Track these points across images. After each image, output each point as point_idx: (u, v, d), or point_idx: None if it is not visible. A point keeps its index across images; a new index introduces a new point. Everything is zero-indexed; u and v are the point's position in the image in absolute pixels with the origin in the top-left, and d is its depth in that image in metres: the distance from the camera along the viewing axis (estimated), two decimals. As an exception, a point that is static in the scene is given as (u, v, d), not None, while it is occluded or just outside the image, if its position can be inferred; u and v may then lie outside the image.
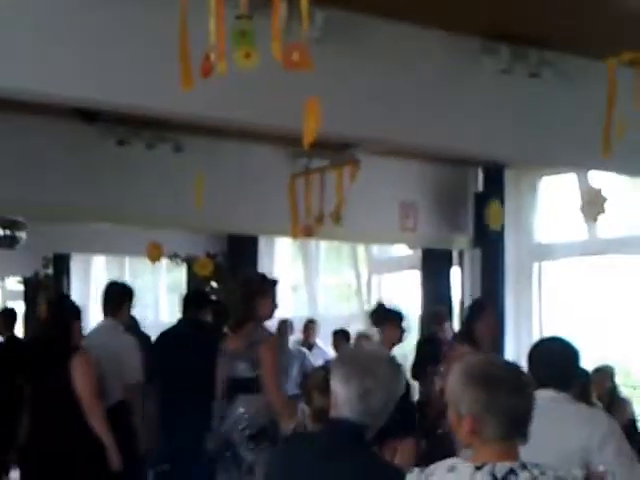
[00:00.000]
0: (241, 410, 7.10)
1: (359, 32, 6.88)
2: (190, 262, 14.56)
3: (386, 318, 7.87)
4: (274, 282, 7.82)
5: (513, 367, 3.56)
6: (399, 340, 7.76)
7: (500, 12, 7.09)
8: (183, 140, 10.06)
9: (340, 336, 11.84)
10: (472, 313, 8.19)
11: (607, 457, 4.47)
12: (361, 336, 10.81)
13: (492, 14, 7.16)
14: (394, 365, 4.10)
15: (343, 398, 3.77)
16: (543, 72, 7.62)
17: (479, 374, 3.44)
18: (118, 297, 8.82)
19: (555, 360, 5.20)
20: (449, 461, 3.49)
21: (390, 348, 7.42)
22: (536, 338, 8.44)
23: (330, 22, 6.32)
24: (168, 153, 10.03)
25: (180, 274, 15.29)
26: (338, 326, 12.49)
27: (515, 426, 3.33)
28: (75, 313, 8.19)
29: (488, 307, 8.25)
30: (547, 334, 8.20)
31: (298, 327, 12.98)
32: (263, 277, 7.98)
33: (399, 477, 3.65)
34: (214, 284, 14.22)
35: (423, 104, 7.44)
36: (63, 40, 6.04)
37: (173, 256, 14.03)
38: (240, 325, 7.19)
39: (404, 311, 8.16)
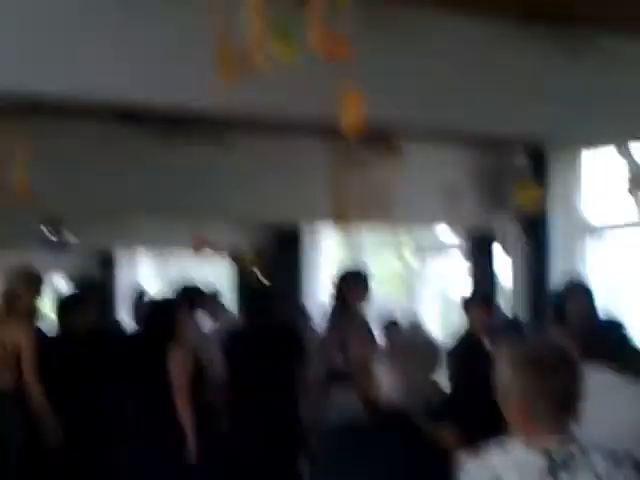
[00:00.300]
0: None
1: (397, 21, 6.89)
2: (237, 257, 14.64)
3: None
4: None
5: (555, 348, 3.58)
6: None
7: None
8: (227, 134, 10.06)
9: (391, 328, 11.77)
10: (562, 295, 8.13)
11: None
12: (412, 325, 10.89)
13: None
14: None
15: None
16: (582, 51, 7.60)
17: (521, 359, 3.46)
18: None
19: (606, 335, 5.22)
20: (505, 444, 3.51)
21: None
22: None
23: (369, 12, 6.35)
24: (212, 150, 10.07)
25: (227, 269, 15.29)
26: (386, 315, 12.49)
27: (564, 406, 3.35)
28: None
29: (578, 288, 8.21)
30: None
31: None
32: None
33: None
34: (261, 277, 14.32)
35: (461, 89, 7.47)
36: (97, 41, 6.09)
37: (219, 250, 14.09)
38: None
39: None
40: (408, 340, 4.82)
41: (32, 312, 8.78)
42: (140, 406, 8.31)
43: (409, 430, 3.83)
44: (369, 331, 8.71)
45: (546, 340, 4.08)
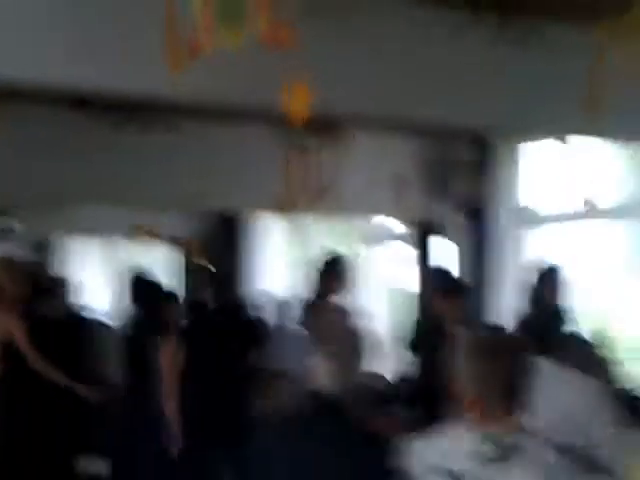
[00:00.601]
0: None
1: (346, 8, 6.86)
2: (186, 244, 14.65)
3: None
4: None
5: (505, 337, 3.63)
6: None
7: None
8: (177, 122, 10.07)
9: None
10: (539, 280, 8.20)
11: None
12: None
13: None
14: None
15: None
16: (529, 40, 7.64)
17: (472, 345, 3.52)
18: None
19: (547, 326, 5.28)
20: (452, 427, 3.56)
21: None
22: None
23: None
24: (162, 136, 10.07)
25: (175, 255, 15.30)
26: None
27: (508, 393, 3.39)
28: None
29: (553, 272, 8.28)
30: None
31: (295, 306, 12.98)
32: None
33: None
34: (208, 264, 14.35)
35: (409, 78, 7.47)
36: (47, 27, 6.07)
37: (167, 238, 14.10)
38: None
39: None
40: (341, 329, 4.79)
41: (21, 299, 8.73)
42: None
43: (338, 418, 3.83)
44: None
45: (499, 329, 4.12)
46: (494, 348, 3.55)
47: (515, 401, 3.44)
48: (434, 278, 8.82)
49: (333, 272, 8.62)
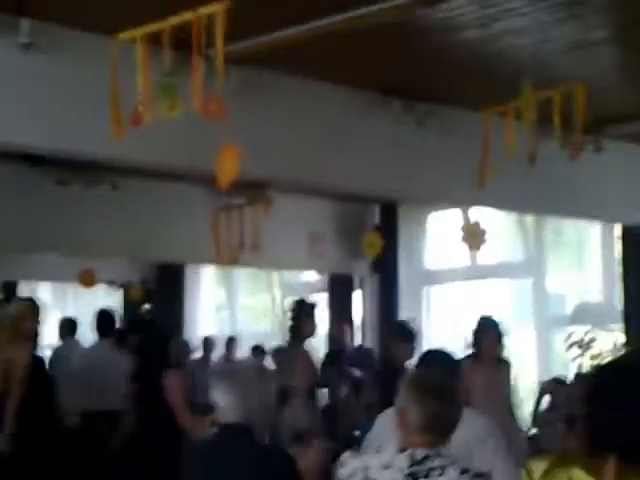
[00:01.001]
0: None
1: (270, 86, 6.97)
2: (125, 288, 14.58)
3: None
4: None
5: (441, 379, 3.70)
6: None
7: (392, 71, 7.25)
8: (119, 180, 10.02)
9: (257, 351, 11.78)
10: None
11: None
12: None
13: (384, 72, 7.32)
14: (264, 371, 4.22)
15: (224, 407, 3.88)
16: (427, 121, 7.79)
17: (410, 381, 3.59)
18: None
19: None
20: (382, 449, 3.62)
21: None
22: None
23: (244, 78, 6.43)
24: (105, 192, 10.02)
25: (116, 299, 15.18)
26: (255, 342, 12.53)
27: (436, 427, 3.45)
28: None
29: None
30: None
31: (221, 344, 12.94)
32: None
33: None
34: (147, 307, 14.29)
35: (325, 149, 7.51)
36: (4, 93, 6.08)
37: (110, 283, 14.01)
38: None
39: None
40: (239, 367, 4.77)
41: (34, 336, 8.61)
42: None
43: (245, 441, 3.85)
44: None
45: (437, 373, 4.16)
46: (428, 388, 3.62)
47: (439, 435, 3.50)
48: (393, 326, 8.65)
49: (304, 317, 8.39)
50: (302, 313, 7.95)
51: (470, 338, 6.92)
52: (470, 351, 6.93)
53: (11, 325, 8.20)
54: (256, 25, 5.88)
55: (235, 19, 4.98)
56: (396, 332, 8.10)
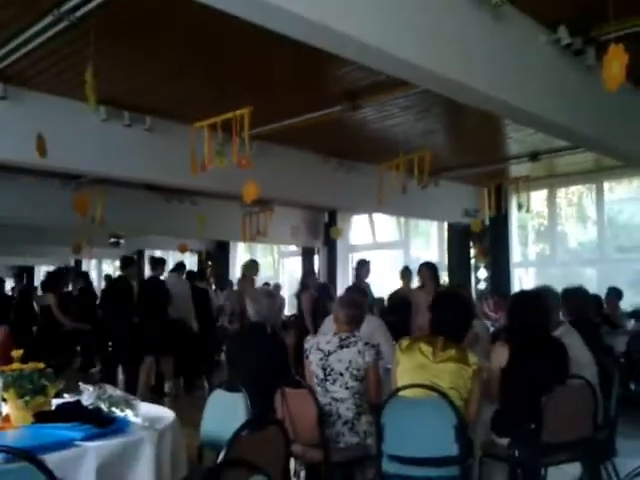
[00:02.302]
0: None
1: (272, 150, 6.90)
2: (199, 253, 14.50)
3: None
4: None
5: (353, 296, 3.72)
6: None
7: (332, 143, 7.23)
8: (196, 198, 9.90)
9: (266, 284, 11.64)
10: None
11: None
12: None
13: (328, 143, 7.31)
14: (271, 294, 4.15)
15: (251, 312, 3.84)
16: (351, 171, 7.81)
17: (339, 299, 3.66)
18: None
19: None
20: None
21: None
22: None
23: (259, 146, 6.35)
24: (189, 205, 9.88)
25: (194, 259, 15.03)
26: (265, 280, 12.47)
27: (349, 320, 3.46)
28: None
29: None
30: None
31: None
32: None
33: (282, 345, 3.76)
34: (209, 263, 14.22)
35: (299, 183, 7.48)
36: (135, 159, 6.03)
37: (191, 250, 13.92)
38: None
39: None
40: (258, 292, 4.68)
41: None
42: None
43: (261, 332, 3.80)
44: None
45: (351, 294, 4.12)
46: (352, 301, 3.62)
47: (355, 325, 3.52)
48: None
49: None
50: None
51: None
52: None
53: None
54: (264, 120, 5.84)
55: (254, 116, 4.96)
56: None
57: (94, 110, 5.05)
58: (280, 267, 13.83)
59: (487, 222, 9.70)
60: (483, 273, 10.04)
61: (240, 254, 14.35)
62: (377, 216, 10.39)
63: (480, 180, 9.04)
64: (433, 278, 6.05)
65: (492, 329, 5.77)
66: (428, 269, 6.14)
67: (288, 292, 11.47)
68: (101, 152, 5.71)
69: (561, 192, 9.71)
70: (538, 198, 9.68)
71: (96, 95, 3.75)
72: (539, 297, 3.48)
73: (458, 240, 10.13)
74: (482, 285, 9.95)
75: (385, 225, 11.19)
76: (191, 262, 14.87)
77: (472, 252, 10.13)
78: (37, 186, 8.23)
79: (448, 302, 3.20)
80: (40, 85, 5.16)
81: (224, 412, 2.94)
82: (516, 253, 9.94)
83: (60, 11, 3.66)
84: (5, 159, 5.43)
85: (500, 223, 9.65)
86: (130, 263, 7.65)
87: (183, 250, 12.27)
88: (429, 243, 11.20)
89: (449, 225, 10.26)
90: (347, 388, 3.24)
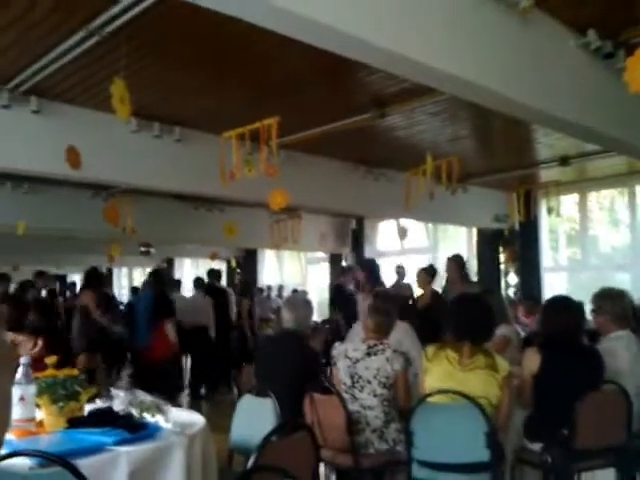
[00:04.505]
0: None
1: (299, 159, 6.93)
2: (228, 261, 14.59)
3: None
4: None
5: (382, 304, 3.70)
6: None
7: (360, 150, 7.24)
8: (224, 207, 9.93)
9: (295, 291, 11.73)
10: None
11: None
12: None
13: (356, 151, 7.31)
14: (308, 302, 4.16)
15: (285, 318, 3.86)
16: (379, 178, 7.81)
17: (369, 306, 3.60)
18: None
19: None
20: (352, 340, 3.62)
21: None
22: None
23: (286, 155, 6.41)
24: (217, 213, 9.91)
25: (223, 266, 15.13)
26: (293, 287, 12.52)
27: (378, 327, 3.46)
28: None
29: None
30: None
31: (275, 288, 12.91)
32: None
33: (312, 352, 3.76)
34: (238, 270, 14.32)
35: (327, 191, 7.44)
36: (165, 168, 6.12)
37: (220, 258, 14.02)
38: None
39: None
40: (295, 299, 4.71)
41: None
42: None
43: (295, 339, 3.82)
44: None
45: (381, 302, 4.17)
46: (382, 309, 3.62)
47: (383, 333, 3.51)
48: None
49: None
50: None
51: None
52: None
53: None
54: (291, 129, 5.87)
55: (282, 125, 4.99)
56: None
57: (126, 122, 5.13)
58: (309, 275, 13.88)
59: (517, 227, 9.60)
60: (513, 278, 9.92)
61: (268, 261, 14.41)
62: (405, 221, 10.36)
63: (509, 185, 8.95)
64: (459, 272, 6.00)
65: (523, 334, 5.69)
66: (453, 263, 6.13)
67: (318, 298, 11.52)
68: (132, 163, 5.77)
69: (592, 196, 9.55)
70: (569, 202, 9.55)
71: (130, 107, 3.80)
72: (571, 303, 3.43)
73: (487, 245, 10.03)
74: (512, 290, 9.83)
75: (413, 231, 11.11)
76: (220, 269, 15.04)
77: (502, 257, 10.03)
78: (70, 197, 8.37)
79: (469, 305, 3.17)
80: (72, 99, 5.25)
81: (253, 417, 2.95)
82: (547, 258, 9.79)
83: (90, 27, 3.74)
84: (39, 171, 5.53)
85: (530, 228, 9.53)
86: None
87: (214, 258, 12.38)
88: (458, 248, 11.09)
89: (478, 230, 10.16)
90: (375, 396, 3.23)
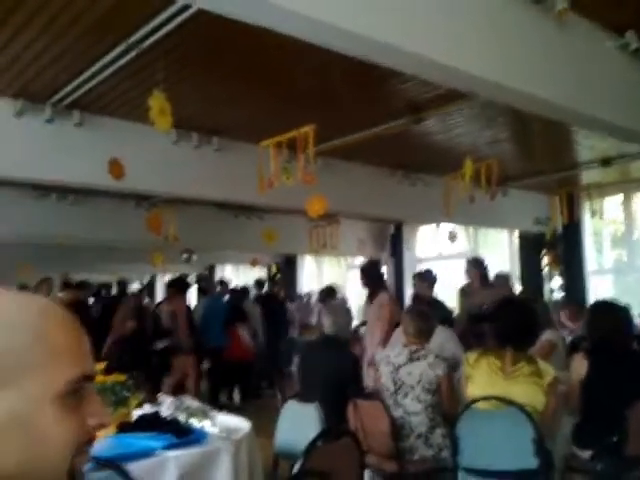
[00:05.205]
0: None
1: (336, 166, 6.95)
2: (268, 266, 14.67)
3: None
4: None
5: (421, 309, 3.70)
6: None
7: (397, 156, 7.23)
8: (263, 215, 10.00)
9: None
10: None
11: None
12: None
13: (393, 157, 7.31)
14: (347, 308, 4.20)
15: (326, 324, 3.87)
16: (417, 183, 7.79)
17: (407, 311, 3.62)
18: None
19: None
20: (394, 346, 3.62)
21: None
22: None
23: (323, 162, 6.43)
24: (256, 221, 10.00)
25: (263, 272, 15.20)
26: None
27: (418, 332, 3.45)
28: None
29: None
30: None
31: (315, 293, 12.88)
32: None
33: (354, 358, 3.76)
34: (278, 276, 14.37)
35: (365, 197, 7.44)
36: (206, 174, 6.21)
37: (263, 264, 14.12)
38: None
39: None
40: (338, 304, 4.74)
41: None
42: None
43: (336, 344, 3.83)
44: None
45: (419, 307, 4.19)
46: (412, 310, 3.62)
47: (424, 338, 3.50)
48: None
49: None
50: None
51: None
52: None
53: None
54: (328, 137, 5.90)
55: (318, 133, 5.01)
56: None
57: (167, 133, 5.23)
58: (348, 279, 13.84)
59: (559, 230, 9.45)
60: (557, 282, 9.75)
61: (307, 266, 14.45)
62: (445, 226, 10.29)
63: (550, 188, 8.81)
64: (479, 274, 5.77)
65: (569, 339, 5.59)
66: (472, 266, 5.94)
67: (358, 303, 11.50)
68: (172, 173, 5.87)
69: (637, 197, 9.33)
70: (613, 204, 9.35)
71: (171, 118, 3.88)
72: (617, 307, 3.37)
73: (530, 249, 9.89)
74: (556, 294, 9.66)
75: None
76: (261, 275, 15.11)
77: (545, 261, 9.87)
78: (114, 208, 8.56)
79: (511, 310, 3.13)
80: (113, 111, 5.38)
81: (298, 423, 2.98)
82: (591, 261, 9.60)
83: (129, 42, 3.85)
84: (83, 182, 5.67)
85: (573, 230, 9.37)
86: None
87: (255, 264, 12.47)
88: (499, 253, 10.96)
89: (520, 234, 10.03)
90: (419, 402, 3.22)
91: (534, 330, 3.12)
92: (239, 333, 7.83)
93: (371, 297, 5.25)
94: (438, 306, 5.79)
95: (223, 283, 10.42)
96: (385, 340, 4.48)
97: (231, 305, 8.79)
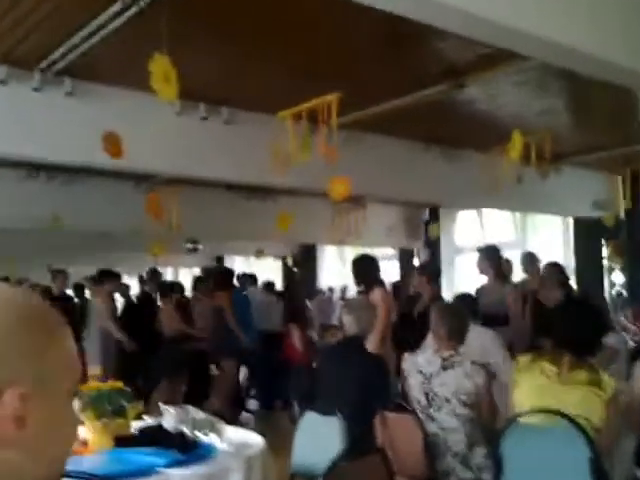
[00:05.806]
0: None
1: (361, 140, 6.92)
2: (283, 258, 14.71)
3: None
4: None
5: (455, 307, 3.66)
6: None
7: (432, 128, 7.18)
8: (277, 197, 10.01)
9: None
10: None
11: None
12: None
13: (428, 129, 7.25)
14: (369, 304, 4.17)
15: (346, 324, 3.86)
16: (454, 160, 7.72)
17: (439, 309, 3.59)
18: None
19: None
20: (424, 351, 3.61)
21: None
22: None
23: (347, 136, 6.39)
24: (270, 204, 9.97)
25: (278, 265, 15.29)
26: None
27: (451, 334, 3.43)
28: None
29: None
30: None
31: (337, 289, 12.90)
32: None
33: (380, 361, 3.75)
34: (295, 269, 14.42)
35: (395, 176, 7.39)
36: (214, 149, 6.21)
37: (274, 256, 14.18)
38: None
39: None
40: (356, 302, 4.68)
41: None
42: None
43: (358, 347, 3.82)
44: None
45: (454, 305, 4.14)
46: (440, 305, 3.61)
47: (458, 340, 3.48)
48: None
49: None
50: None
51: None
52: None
53: None
54: (353, 107, 5.86)
55: (343, 102, 4.99)
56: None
57: (172, 102, 5.21)
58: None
59: (622, 215, 9.34)
60: (619, 277, 9.66)
61: (328, 258, 14.44)
62: (488, 212, 10.21)
63: (612, 166, 8.69)
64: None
65: (631, 344, 5.54)
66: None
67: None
68: (175, 148, 5.84)
69: None
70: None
71: (176, 85, 3.83)
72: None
73: (587, 238, 9.82)
74: (618, 291, 9.57)
75: (498, 222, 10.95)
76: (274, 268, 15.15)
77: (605, 252, 9.77)
78: (110, 189, 8.61)
79: (577, 311, 3.10)
80: (109, 79, 5.38)
81: (317, 438, 2.98)
82: (660, 252, 9.49)
83: (129, -4, 3.84)
84: (74, 160, 5.69)
85: (638, 216, 9.27)
86: None
87: (259, 255, 12.57)
88: (551, 242, 10.87)
89: (575, 220, 9.93)
90: (456, 416, 3.21)
91: (599, 336, 3.09)
92: (292, 337, 7.94)
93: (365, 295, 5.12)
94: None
95: (249, 277, 10.06)
96: (382, 343, 4.47)
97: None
